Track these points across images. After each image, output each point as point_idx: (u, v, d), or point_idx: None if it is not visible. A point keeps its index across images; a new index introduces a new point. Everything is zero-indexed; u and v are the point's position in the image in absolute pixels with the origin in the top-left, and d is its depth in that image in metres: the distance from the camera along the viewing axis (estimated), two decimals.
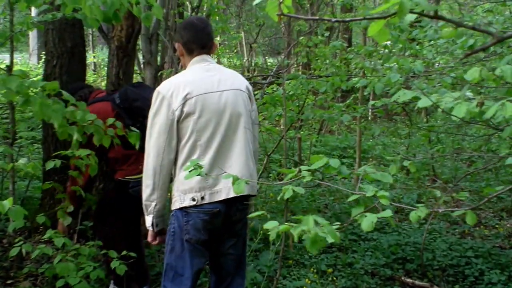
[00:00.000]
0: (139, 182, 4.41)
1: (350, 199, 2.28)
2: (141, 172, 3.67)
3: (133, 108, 4.49)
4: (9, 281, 4.86)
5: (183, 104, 3.15)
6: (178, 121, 3.16)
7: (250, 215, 2.69)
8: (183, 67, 3.52)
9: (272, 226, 2.21)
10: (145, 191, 3.25)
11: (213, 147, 3.19)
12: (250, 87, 3.53)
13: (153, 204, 3.24)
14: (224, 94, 3.27)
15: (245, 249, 3.65)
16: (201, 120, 3.18)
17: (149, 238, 3.38)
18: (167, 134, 3.16)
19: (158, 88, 3.26)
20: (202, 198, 3.22)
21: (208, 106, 3.20)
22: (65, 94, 3.45)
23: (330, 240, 2.08)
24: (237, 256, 3.53)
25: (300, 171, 2.30)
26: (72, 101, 3.44)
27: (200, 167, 2.59)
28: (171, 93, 3.18)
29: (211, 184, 3.23)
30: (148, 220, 3.31)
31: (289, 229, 2.10)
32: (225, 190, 3.24)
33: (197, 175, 2.61)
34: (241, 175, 3.18)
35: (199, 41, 3.37)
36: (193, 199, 3.22)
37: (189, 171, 2.60)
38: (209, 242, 3.36)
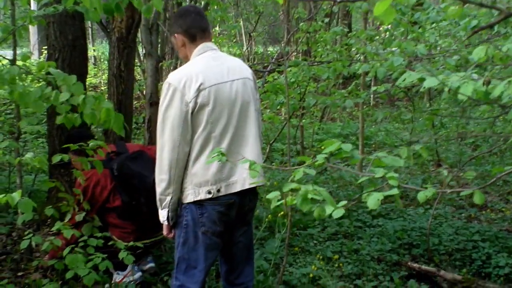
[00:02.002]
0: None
1: (360, 181, 2.27)
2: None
3: (129, 185, 4.58)
4: (20, 273, 4.90)
5: (197, 96, 3.10)
6: (192, 113, 3.11)
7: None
8: (185, 60, 3.46)
9: (273, 196, 2.21)
10: (160, 185, 3.20)
11: (227, 138, 3.18)
12: (254, 75, 3.51)
13: (169, 198, 3.20)
14: (235, 84, 3.25)
15: (252, 236, 3.66)
16: (215, 111, 3.15)
17: (165, 232, 3.38)
18: (181, 127, 3.10)
19: (169, 80, 3.17)
20: (218, 190, 3.21)
21: (220, 97, 3.17)
22: (54, 72, 3.46)
23: (329, 209, 2.08)
24: (247, 244, 3.55)
25: (315, 156, 2.29)
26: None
27: (223, 154, 2.56)
28: (183, 84, 3.11)
29: (226, 176, 3.22)
30: (163, 214, 3.27)
31: (291, 201, 2.11)
32: (240, 182, 3.24)
33: (219, 161, 2.57)
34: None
35: (200, 25, 3.33)
36: (209, 192, 3.20)
37: (212, 157, 2.58)
38: (224, 233, 3.36)
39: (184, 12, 3.40)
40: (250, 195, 3.36)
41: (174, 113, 3.10)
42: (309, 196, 2.10)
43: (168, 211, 3.25)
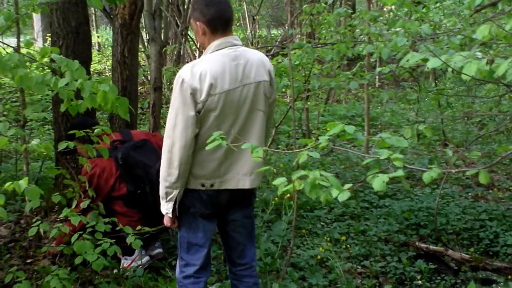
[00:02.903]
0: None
1: (364, 162, 2.27)
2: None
3: (133, 175, 4.60)
4: (28, 260, 4.93)
5: (207, 100, 3.06)
6: (199, 112, 3.09)
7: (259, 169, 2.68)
8: (202, 46, 3.35)
9: (280, 182, 2.21)
10: (168, 179, 3.18)
11: (228, 140, 3.15)
12: (271, 69, 3.38)
13: (176, 191, 3.20)
14: (246, 88, 3.18)
15: (253, 217, 3.65)
16: (220, 116, 3.12)
17: (167, 223, 3.38)
18: (194, 125, 3.08)
19: (182, 75, 3.10)
20: (212, 185, 3.24)
21: (229, 103, 3.12)
22: (56, 57, 3.47)
23: (335, 192, 2.08)
24: (245, 224, 3.55)
25: (317, 139, 2.29)
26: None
27: (223, 139, 2.54)
28: (197, 83, 3.06)
29: (222, 173, 3.24)
30: (168, 206, 3.26)
31: (297, 186, 2.11)
32: (234, 180, 3.27)
33: (219, 145, 2.56)
34: (251, 168, 3.28)
35: (224, 17, 3.19)
36: (203, 185, 3.24)
37: (212, 142, 2.57)
38: (214, 215, 3.40)
39: (211, 1, 3.20)
40: (245, 190, 3.37)
41: (188, 111, 3.06)
42: (317, 182, 2.10)
43: (175, 203, 3.25)
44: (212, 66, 3.11)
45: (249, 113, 3.22)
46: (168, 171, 3.17)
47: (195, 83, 3.05)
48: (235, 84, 3.14)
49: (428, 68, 2.93)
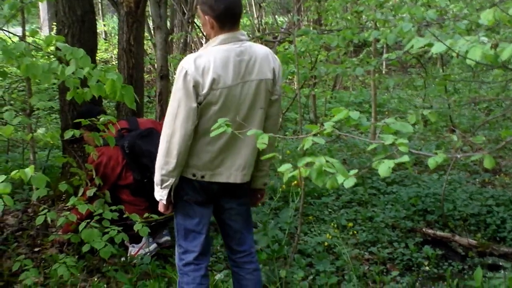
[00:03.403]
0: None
1: (370, 148, 2.26)
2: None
3: (140, 163, 4.60)
4: (36, 249, 4.95)
5: (208, 94, 3.05)
6: (200, 103, 3.08)
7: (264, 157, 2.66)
8: (208, 36, 3.30)
9: (285, 169, 2.20)
10: (165, 168, 3.18)
11: (224, 136, 3.14)
12: (277, 67, 3.32)
13: (172, 180, 3.20)
14: (247, 85, 3.15)
15: (249, 204, 3.64)
16: (220, 111, 3.11)
17: (162, 209, 3.38)
18: (195, 116, 3.07)
19: (186, 66, 3.07)
20: (202, 176, 3.25)
21: (230, 99, 3.11)
22: (61, 46, 3.47)
23: (341, 179, 2.07)
24: (241, 212, 3.55)
25: (322, 125, 2.28)
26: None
27: (229, 125, 2.53)
28: (200, 76, 3.04)
29: (215, 166, 3.25)
30: (163, 193, 3.27)
31: (303, 172, 2.10)
32: (225, 174, 3.27)
33: (224, 131, 2.55)
34: (244, 164, 3.29)
35: (233, 12, 3.15)
36: (194, 175, 3.25)
37: (217, 129, 2.56)
38: (208, 202, 3.41)
39: None
40: (236, 184, 3.37)
41: (189, 103, 3.05)
42: (323, 169, 2.09)
43: (170, 190, 3.25)
44: (216, 60, 3.08)
45: (249, 110, 3.20)
46: (166, 159, 3.17)
47: (198, 77, 3.04)
48: (237, 80, 3.12)
49: (433, 53, 2.91)
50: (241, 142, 3.22)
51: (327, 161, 2.12)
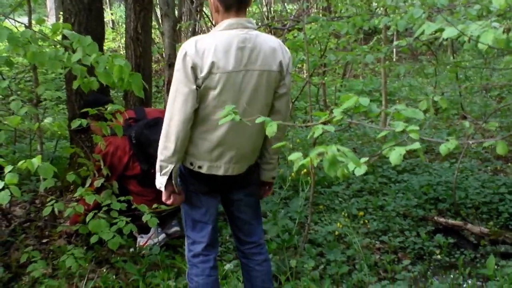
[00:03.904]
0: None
1: (380, 135, 2.21)
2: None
3: (147, 154, 4.55)
4: (44, 240, 4.93)
5: (207, 78, 2.97)
6: (199, 86, 3.00)
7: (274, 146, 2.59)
8: (216, 24, 3.20)
9: (296, 157, 2.15)
10: (164, 153, 3.12)
11: (225, 126, 3.05)
12: (286, 60, 3.22)
13: (171, 166, 3.12)
14: (249, 75, 3.05)
15: (257, 195, 3.58)
16: (220, 97, 3.02)
17: (164, 198, 3.31)
18: (194, 99, 2.99)
19: (186, 48, 3.00)
20: (199, 167, 3.18)
21: (229, 86, 3.02)
22: (68, 33, 3.44)
23: (351, 166, 2.03)
24: (249, 202, 3.50)
25: (332, 112, 2.23)
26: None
27: (236, 113, 2.47)
28: (199, 59, 2.96)
29: (214, 158, 3.17)
30: (162, 180, 3.19)
31: (313, 160, 2.05)
32: (224, 168, 3.20)
33: (232, 119, 2.49)
34: (242, 157, 3.22)
35: None
36: (191, 164, 3.19)
37: (224, 117, 2.50)
38: (213, 192, 3.36)
39: None
40: (239, 175, 3.31)
41: (189, 85, 2.97)
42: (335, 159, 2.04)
43: (169, 177, 3.17)
44: (217, 44, 3.00)
45: (250, 101, 3.09)
46: (165, 144, 3.10)
47: (197, 59, 2.96)
48: (238, 67, 3.02)
49: (444, 38, 2.86)
50: (241, 134, 3.15)
51: (338, 150, 2.07)
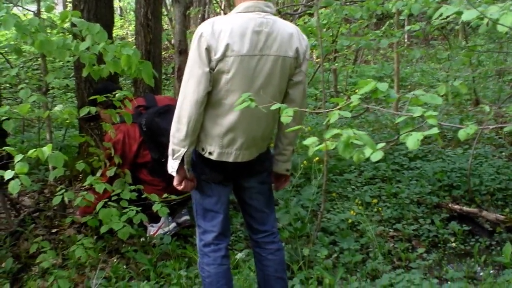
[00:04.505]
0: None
1: (398, 120, 2.15)
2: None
3: (157, 142, 4.49)
4: (54, 230, 4.89)
5: (221, 60, 2.92)
6: (212, 69, 2.95)
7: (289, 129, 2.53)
8: (233, 5, 3.16)
9: (311, 142, 2.10)
10: (176, 136, 3.06)
11: (237, 111, 2.98)
12: (303, 48, 3.15)
13: (183, 150, 3.06)
14: (263, 60, 3.00)
15: (270, 183, 3.51)
16: (233, 81, 2.96)
17: (175, 183, 3.24)
18: (208, 81, 2.94)
19: (202, 29, 2.95)
20: (210, 153, 3.12)
21: (243, 70, 2.96)
22: (77, 21, 3.39)
23: (369, 151, 1.98)
24: (262, 191, 3.43)
25: (349, 98, 2.17)
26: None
27: (252, 100, 2.42)
28: (214, 40, 2.91)
29: (225, 145, 3.10)
30: (174, 164, 3.14)
31: (329, 145, 2.01)
32: (234, 154, 3.13)
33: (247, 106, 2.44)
34: (252, 144, 3.15)
35: None
36: (203, 149, 3.13)
37: (240, 103, 2.45)
38: (226, 180, 3.29)
39: None
40: (250, 162, 3.25)
41: (203, 66, 2.92)
42: (351, 141, 1.99)
43: (180, 162, 3.10)
44: (233, 27, 2.95)
45: (263, 86, 3.03)
46: (177, 126, 3.04)
47: (212, 40, 2.91)
48: (253, 52, 2.97)
49: (462, 21, 2.79)
50: (253, 119, 3.08)
51: (354, 133, 2.02)
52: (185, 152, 3.06)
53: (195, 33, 2.98)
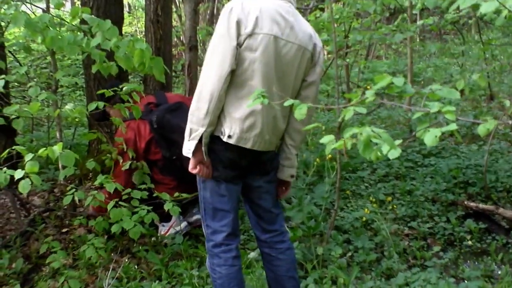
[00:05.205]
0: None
1: (415, 116, 2.09)
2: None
3: (169, 139, 4.43)
4: (64, 230, 4.85)
5: (250, 35, 2.87)
6: (240, 45, 2.88)
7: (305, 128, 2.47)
8: None
9: (328, 140, 2.04)
10: (195, 114, 2.96)
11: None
12: (319, 49, 3.17)
13: (202, 129, 2.96)
14: (288, 46, 2.98)
15: (276, 182, 3.45)
16: (258, 61, 2.91)
17: (191, 166, 3.11)
18: (234, 58, 2.87)
19: (232, 4, 2.92)
20: (230, 136, 3.02)
21: (268, 52, 2.91)
22: (87, 17, 3.35)
23: (386, 149, 1.94)
24: (270, 190, 3.37)
25: (364, 93, 2.10)
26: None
27: (265, 96, 2.36)
28: (245, 16, 2.88)
29: (245, 130, 3.02)
30: (190, 145, 3.02)
31: (347, 143, 1.95)
32: (253, 140, 3.05)
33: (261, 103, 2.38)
34: (274, 129, 3.11)
35: None
36: (222, 133, 3.02)
37: (253, 100, 2.40)
38: (238, 177, 3.22)
39: None
40: (262, 158, 3.20)
41: (229, 41, 2.86)
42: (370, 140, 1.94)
43: (197, 143, 3.00)
44: (263, 8, 2.93)
45: (285, 74, 3.02)
46: (197, 105, 2.95)
47: (243, 15, 2.87)
48: (280, 35, 2.95)
49: (479, 13, 2.72)
50: (273, 106, 3.01)
51: (373, 131, 1.96)
52: (204, 132, 2.96)
53: (224, 9, 2.95)
